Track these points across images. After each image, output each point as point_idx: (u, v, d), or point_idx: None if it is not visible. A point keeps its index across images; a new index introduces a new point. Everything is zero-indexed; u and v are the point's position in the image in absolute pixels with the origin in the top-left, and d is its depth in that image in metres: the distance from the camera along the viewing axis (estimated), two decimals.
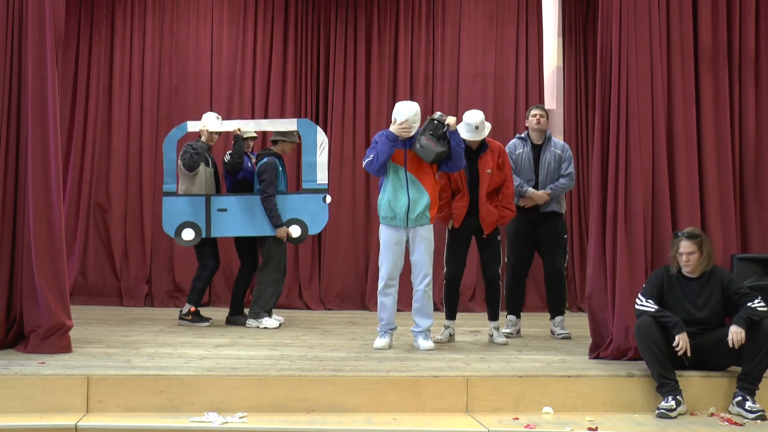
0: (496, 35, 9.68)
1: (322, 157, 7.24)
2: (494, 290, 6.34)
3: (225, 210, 7.14)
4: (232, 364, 5.04)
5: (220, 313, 7.83)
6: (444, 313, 6.45)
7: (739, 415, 4.81)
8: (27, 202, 5.43)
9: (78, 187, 9.15)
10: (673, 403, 4.78)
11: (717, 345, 5.00)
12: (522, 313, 6.98)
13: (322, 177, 7.23)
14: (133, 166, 9.28)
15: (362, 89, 9.51)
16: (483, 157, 6.22)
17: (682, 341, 4.90)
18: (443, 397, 4.78)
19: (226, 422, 4.41)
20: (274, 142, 7.37)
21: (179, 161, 7.16)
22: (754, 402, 4.82)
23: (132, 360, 5.14)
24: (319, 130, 7.31)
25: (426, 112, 9.20)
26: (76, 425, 4.31)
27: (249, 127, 7.50)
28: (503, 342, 6.30)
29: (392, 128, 5.84)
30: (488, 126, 6.25)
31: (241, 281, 7.46)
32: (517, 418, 4.66)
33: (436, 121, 5.83)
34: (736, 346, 4.88)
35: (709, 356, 5.06)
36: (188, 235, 7.12)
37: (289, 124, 7.39)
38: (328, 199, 7.25)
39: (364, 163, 5.94)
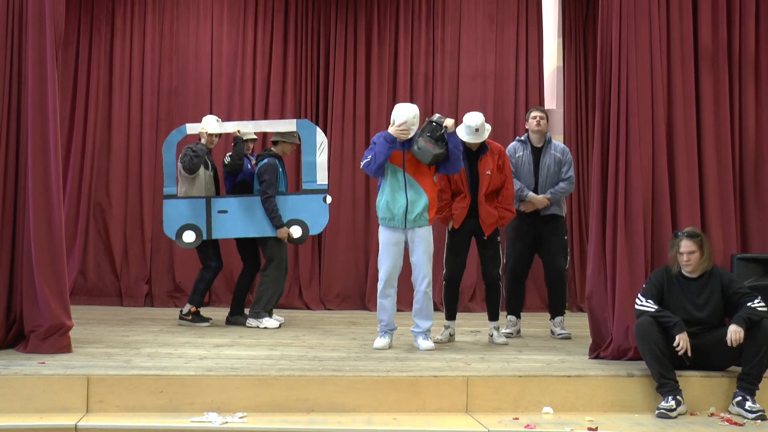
0: (496, 35, 9.68)
1: (321, 158, 7.24)
2: (494, 291, 6.34)
3: (225, 211, 7.14)
4: (232, 364, 5.04)
5: (220, 313, 7.83)
6: (444, 314, 6.45)
7: (739, 415, 4.82)
8: (27, 202, 5.43)
9: (78, 187, 9.15)
10: (673, 403, 4.78)
11: (717, 345, 5.00)
12: (522, 313, 6.98)
13: (322, 177, 7.23)
14: (133, 166, 9.28)
15: (362, 89, 9.51)
16: (483, 159, 6.22)
17: (682, 341, 4.90)
18: (443, 397, 4.78)
19: (226, 422, 4.41)
20: (275, 143, 7.37)
21: (179, 164, 7.16)
22: (754, 402, 4.82)
23: (132, 360, 5.14)
24: (318, 130, 7.31)
25: (426, 112, 9.21)
26: (76, 425, 4.31)
27: (248, 128, 7.50)
28: (503, 342, 6.30)
29: (390, 130, 5.84)
30: (488, 128, 6.25)
31: (242, 282, 7.47)
32: (517, 418, 4.66)
33: (434, 123, 5.83)
34: (734, 345, 4.88)
35: (709, 356, 5.06)
36: (189, 237, 7.13)
37: (288, 125, 7.38)
38: (329, 199, 7.26)
39: (361, 164, 5.94)
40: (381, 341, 5.92)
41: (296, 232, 7.19)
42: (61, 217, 5.49)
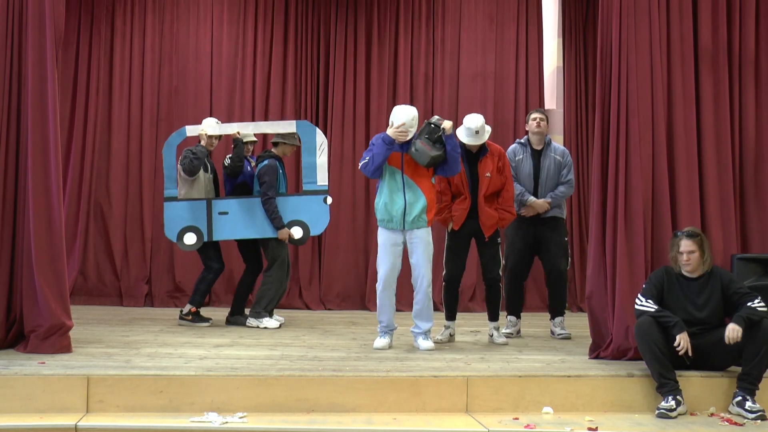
0: (496, 35, 9.69)
1: (321, 159, 7.25)
2: (494, 291, 6.34)
3: (226, 213, 7.14)
4: (232, 364, 5.04)
5: (220, 313, 7.83)
6: (444, 314, 6.45)
7: (739, 415, 4.82)
8: (27, 202, 5.43)
9: (78, 187, 9.15)
10: (673, 403, 4.78)
11: (717, 345, 5.00)
12: (522, 314, 6.98)
13: (322, 178, 7.24)
14: (133, 166, 9.28)
15: (362, 89, 9.51)
16: (483, 161, 6.21)
17: (683, 341, 4.90)
18: (443, 397, 4.77)
19: (226, 422, 4.41)
20: (275, 145, 7.38)
21: (179, 166, 7.16)
22: (754, 402, 4.82)
23: (132, 360, 5.14)
24: (318, 131, 7.31)
25: (426, 112, 9.22)
26: (76, 425, 4.31)
27: (248, 129, 7.50)
28: (503, 342, 6.30)
29: (389, 131, 5.85)
30: (488, 130, 6.25)
31: (244, 282, 7.47)
32: (517, 418, 4.66)
33: (432, 125, 5.83)
34: (731, 343, 4.88)
35: (709, 356, 5.06)
36: (190, 239, 7.13)
37: (288, 126, 7.38)
38: (329, 200, 7.26)
39: (360, 165, 5.95)
40: (381, 341, 5.92)
41: (297, 233, 7.19)
42: (61, 217, 5.48)
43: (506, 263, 6.78)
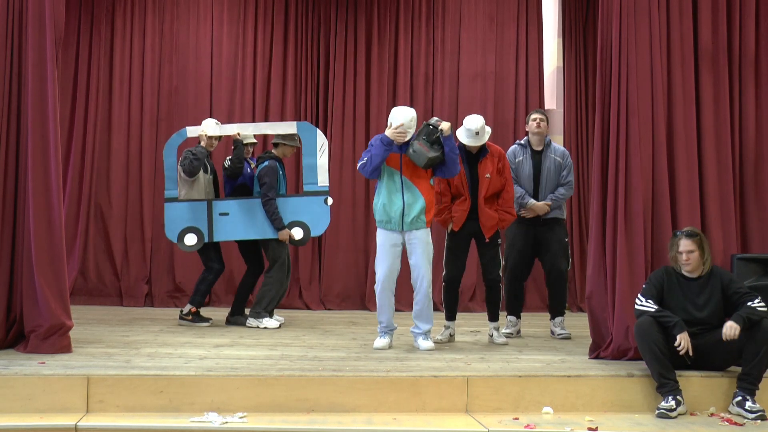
0: (496, 35, 9.69)
1: (322, 160, 7.25)
2: (494, 292, 6.34)
3: (227, 214, 7.15)
4: (232, 364, 5.04)
5: (220, 313, 7.84)
6: (444, 314, 6.45)
7: (739, 415, 4.81)
8: (27, 202, 5.43)
9: (78, 187, 9.15)
10: (673, 403, 4.78)
11: (717, 345, 5.00)
12: (522, 314, 6.98)
13: (323, 179, 7.24)
14: (133, 166, 9.28)
15: (362, 89, 9.51)
16: (483, 162, 6.21)
17: (683, 341, 4.90)
18: (443, 397, 4.77)
19: (226, 422, 4.41)
20: (275, 145, 7.38)
21: (179, 166, 7.16)
22: (754, 402, 4.82)
23: (132, 360, 5.14)
24: (319, 132, 7.31)
25: (426, 112, 9.22)
26: (76, 425, 4.31)
27: (248, 130, 7.50)
28: (503, 342, 6.30)
29: (387, 132, 5.85)
30: (488, 131, 6.24)
31: (245, 283, 7.47)
32: (517, 418, 4.66)
33: (430, 126, 5.84)
34: (728, 340, 4.88)
35: (710, 356, 5.06)
36: (191, 240, 7.13)
37: (288, 127, 7.38)
38: (330, 201, 7.26)
39: (358, 166, 5.96)
40: (381, 341, 5.92)
41: (298, 233, 7.19)
42: (61, 217, 5.48)
43: (506, 264, 6.78)
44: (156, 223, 8.98)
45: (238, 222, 7.14)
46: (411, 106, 9.00)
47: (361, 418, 4.60)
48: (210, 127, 7.26)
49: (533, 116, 6.81)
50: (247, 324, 7.14)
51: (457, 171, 5.95)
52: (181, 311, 7.28)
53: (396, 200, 5.84)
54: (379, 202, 5.91)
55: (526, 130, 6.89)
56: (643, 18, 5.64)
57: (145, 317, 7.84)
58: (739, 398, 4.86)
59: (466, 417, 4.69)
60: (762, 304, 4.98)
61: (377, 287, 5.90)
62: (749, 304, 4.97)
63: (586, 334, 5.90)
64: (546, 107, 8.79)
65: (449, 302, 6.37)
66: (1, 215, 5.47)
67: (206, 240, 7.13)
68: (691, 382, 4.99)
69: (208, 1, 9.51)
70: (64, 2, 5.64)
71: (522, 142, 6.87)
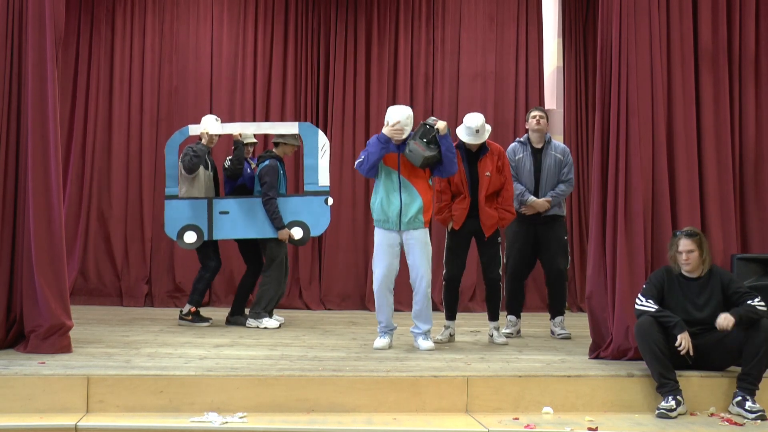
0: (496, 35, 9.68)
1: (323, 160, 7.26)
2: (494, 291, 6.34)
3: (227, 213, 7.15)
4: (232, 364, 5.04)
5: (220, 313, 7.84)
6: (444, 314, 6.45)
7: (739, 415, 4.81)
8: (27, 202, 5.43)
9: (78, 187, 9.15)
10: (673, 403, 4.78)
11: (717, 345, 5.00)
12: (522, 313, 6.98)
13: (323, 179, 7.25)
14: (133, 166, 9.28)
15: (362, 89, 9.51)
16: (483, 160, 6.21)
17: (684, 340, 4.89)
18: (443, 397, 4.77)
19: (226, 422, 4.41)
20: (276, 144, 7.38)
21: (180, 163, 7.16)
22: (754, 402, 4.82)
23: (132, 360, 5.14)
24: (321, 133, 7.31)
25: (426, 112, 9.22)
26: (76, 425, 4.31)
27: (249, 130, 7.50)
28: (503, 342, 6.30)
29: (384, 130, 5.85)
30: (488, 129, 6.25)
31: (245, 282, 7.47)
32: (517, 418, 4.66)
33: (427, 126, 5.84)
34: (720, 329, 4.89)
35: (709, 356, 5.06)
36: (190, 237, 7.13)
37: (290, 128, 7.39)
38: (330, 201, 7.27)
39: (355, 164, 5.96)
40: (381, 341, 5.92)
41: (297, 233, 7.19)
42: (61, 217, 5.49)
43: (506, 263, 6.78)
44: (156, 223, 8.98)
45: (238, 221, 7.15)
46: (411, 106, 8.99)
47: (361, 418, 4.60)
48: (211, 125, 7.26)
49: (533, 113, 6.81)
50: (246, 324, 7.14)
51: (455, 170, 5.95)
52: (181, 311, 7.28)
53: (393, 200, 5.84)
54: (376, 201, 5.91)
55: (526, 127, 6.89)
56: (643, 18, 5.64)
57: (145, 317, 7.84)
58: (739, 398, 4.86)
59: (466, 417, 4.69)
60: (762, 303, 4.98)
61: (375, 287, 5.90)
62: (749, 302, 4.97)
63: (586, 334, 5.90)
64: (546, 107, 8.78)
65: (449, 301, 6.37)
66: (1, 215, 5.47)
67: (206, 238, 7.14)
68: (691, 382, 4.99)
69: (208, 1, 9.50)
70: (64, 2, 5.64)
71: (522, 139, 6.87)
